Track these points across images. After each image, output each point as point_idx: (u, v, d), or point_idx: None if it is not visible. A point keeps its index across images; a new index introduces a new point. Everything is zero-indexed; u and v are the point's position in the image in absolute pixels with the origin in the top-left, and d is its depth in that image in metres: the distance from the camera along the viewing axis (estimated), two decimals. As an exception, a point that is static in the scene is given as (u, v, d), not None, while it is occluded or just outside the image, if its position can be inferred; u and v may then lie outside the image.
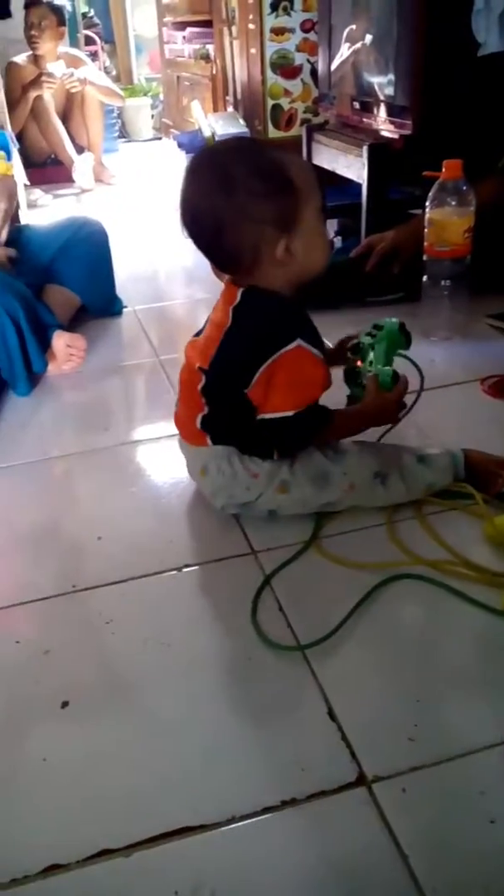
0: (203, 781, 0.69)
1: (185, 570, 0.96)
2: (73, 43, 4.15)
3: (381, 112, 1.91)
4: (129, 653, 0.84)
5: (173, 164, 3.01)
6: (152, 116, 4.82)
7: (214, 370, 0.96)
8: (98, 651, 0.85)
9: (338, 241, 2.14)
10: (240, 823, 0.64)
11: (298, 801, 0.66)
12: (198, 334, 1.03)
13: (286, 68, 2.71)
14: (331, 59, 2.19)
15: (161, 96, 4.68)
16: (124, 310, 1.89)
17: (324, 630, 0.82)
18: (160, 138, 4.53)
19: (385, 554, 0.94)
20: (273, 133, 2.79)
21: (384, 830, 0.63)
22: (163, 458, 1.23)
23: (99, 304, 1.83)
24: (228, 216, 0.88)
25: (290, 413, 0.93)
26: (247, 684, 0.79)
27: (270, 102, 2.75)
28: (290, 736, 0.72)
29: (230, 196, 0.87)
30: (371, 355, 1.05)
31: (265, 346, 0.91)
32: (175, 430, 1.08)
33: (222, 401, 0.97)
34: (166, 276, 2.21)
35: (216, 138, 2.86)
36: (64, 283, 1.74)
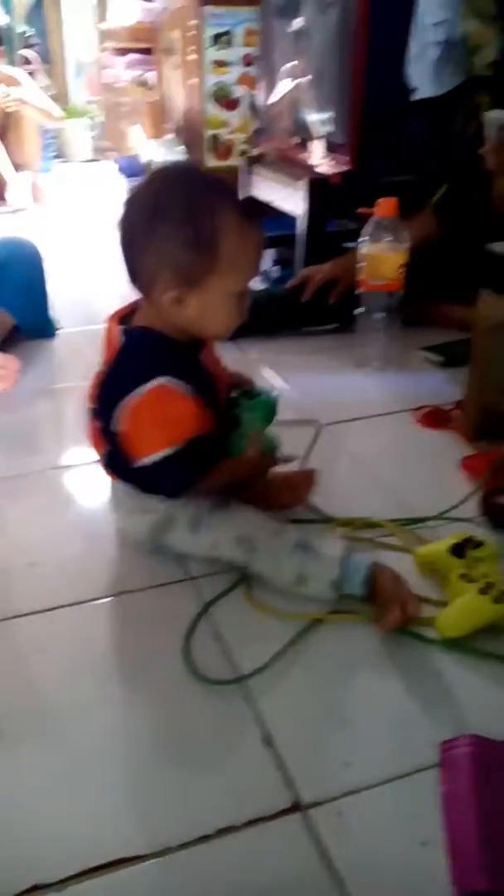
0: (137, 812, 0.68)
1: (121, 596, 0.95)
2: (11, 62, 4.12)
3: (319, 148, 1.97)
4: (63, 682, 0.82)
5: (111, 187, 3.01)
6: (90, 138, 4.82)
7: (100, 408, 0.95)
8: (30, 680, 0.82)
9: (275, 271, 2.18)
10: (175, 854, 0.64)
11: (235, 828, 0.65)
12: None
13: (225, 100, 2.77)
14: (270, 93, 2.25)
15: (99, 119, 4.69)
16: (58, 332, 1.87)
17: (260, 658, 0.83)
18: (97, 160, 4.53)
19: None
20: (211, 162, 2.83)
21: (320, 855, 0.63)
22: (95, 482, 1.21)
23: (33, 325, 1.81)
24: (141, 236, 0.87)
25: (169, 451, 0.89)
26: (183, 713, 0.78)
27: (209, 132, 2.80)
28: (226, 763, 0.72)
29: (152, 221, 0.86)
30: (245, 423, 0.99)
31: (127, 382, 0.89)
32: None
33: (114, 439, 0.95)
34: (101, 300, 2.20)
35: (153, 165, 2.89)
36: (-3, 303, 1.72)
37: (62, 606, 0.93)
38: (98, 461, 1.04)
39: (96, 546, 1.05)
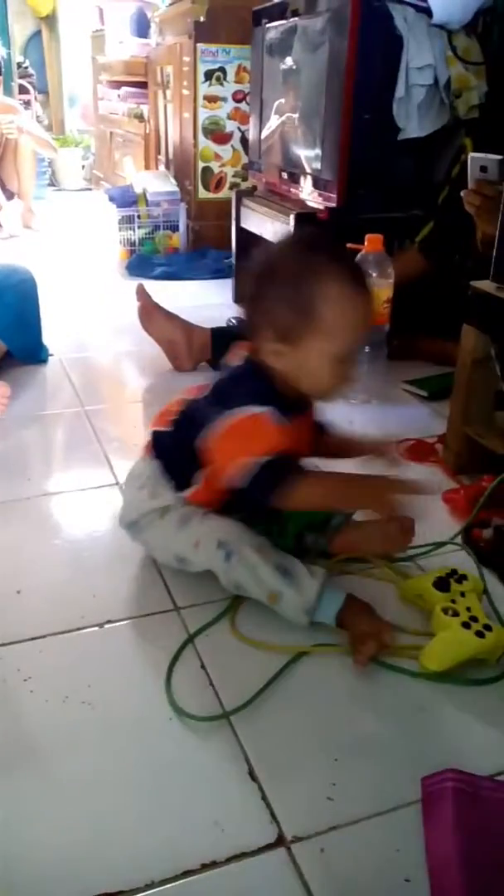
0: (122, 845, 0.68)
1: (107, 626, 0.95)
2: (7, 91, 4.18)
3: (308, 183, 2.01)
4: (48, 711, 0.82)
5: (102, 216, 3.04)
6: (83, 167, 4.88)
7: (193, 407, 1.00)
8: (15, 709, 0.82)
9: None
10: (158, 889, 0.64)
11: (218, 863, 0.66)
12: None
13: (217, 134, 2.82)
14: (261, 129, 2.30)
15: (92, 148, 4.75)
16: (50, 358, 1.88)
17: (244, 690, 0.83)
18: (90, 189, 4.58)
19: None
20: (203, 194, 2.88)
21: (303, 891, 0.63)
22: (86, 509, 1.22)
23: (25, 351, 1.82)
24: (253, 291, 0.93)
25: (261, 460, 0.90)
26: (168, 744, 0.78)
27: (201, 165, 2.84)
28: (211, 797, 0.72)
29: (263, 279, 0.92)
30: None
31: (240, 396, 0.93)
32: (97, 482, 1.08)
33: (187, 432, 0.98)
34: (93, 327, 2.22)
35: (147, 195, 2.93)
36: (-11, 330, 1.73)
37: (49, 635, 0.93)
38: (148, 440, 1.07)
39: (83, 574, 1.05)
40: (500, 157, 1.30)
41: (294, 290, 0.88)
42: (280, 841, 0.68)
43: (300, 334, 0.89)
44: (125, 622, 0.96)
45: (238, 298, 0.98)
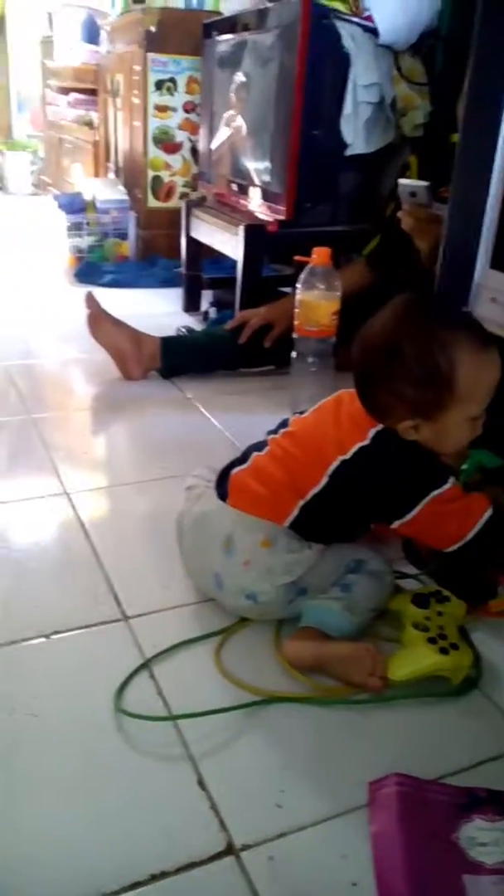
0: (69, 858, 0.67)
1: (53, 636, 0.94)
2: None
3: (258, 196, 2.03)
4: (-7, 725, 0.81)
5: (50, 222, 3.01)
6: (31, 172, 4.83)
7: (342, 478, 0.92)
8: (-42, 724, 0.81)
9: (213, 312, 2.22)
10: (107, 901, 0.63)
11: (168, 873, 0.65)
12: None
13: (167, 143, 2.82)
14: (211, 140, 2.31)
15: (41, 153, 4.70)
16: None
17: (196, 703, 0.83)
18: (38, 195, 4.53)
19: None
20: (152, 203, 2.87)
21: (252, 899, 0.64)
22: (31, 518, 1.21)
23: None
24: (378, 373, 0.90)
25: (483, 518, 0.91)
26: (116, 756, 0.78)
27: (151, 174, 2.84)
28: (160, 807, 0.72)
29: (388, 360, 0.88)
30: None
31: (422, 484, 0.90)
32: (43, 491, 1.06)
33: (341, 503, 0.94)
34: (40, 333, 2.19)
35: (96, 202, 2.91)
36: None
37: (-7, 648, 0.91)
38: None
39: (28, 584, 1.04)
40: (426, 183, 1.34)
41: (425, 368, 0.87)
42: (229, 849, 0.68)
43: (439, 408, 0.88)
44: (72, 632, 0.95)
45: (357, 378, 0.94)
